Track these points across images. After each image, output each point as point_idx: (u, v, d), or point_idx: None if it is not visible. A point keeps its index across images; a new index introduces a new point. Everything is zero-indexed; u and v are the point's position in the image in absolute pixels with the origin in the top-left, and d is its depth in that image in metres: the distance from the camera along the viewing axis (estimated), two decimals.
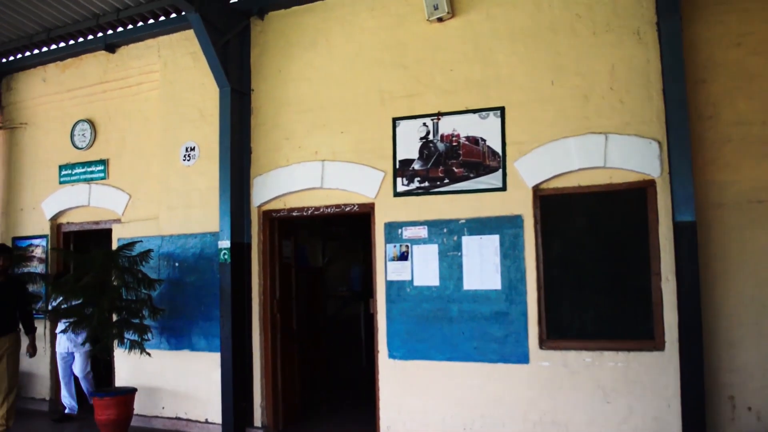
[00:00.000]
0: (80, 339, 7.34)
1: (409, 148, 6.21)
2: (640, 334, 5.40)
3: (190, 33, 7.23)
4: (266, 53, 7.02)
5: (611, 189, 5.58)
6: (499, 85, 5.97)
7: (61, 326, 7.37)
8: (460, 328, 5.90)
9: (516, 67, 5.93)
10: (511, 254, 5.77)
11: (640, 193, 5.51)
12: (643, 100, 5.49)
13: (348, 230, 10.32)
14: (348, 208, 6.52)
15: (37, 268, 8.43)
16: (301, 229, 7.80)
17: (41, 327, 8.31)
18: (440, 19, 6.17)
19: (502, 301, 5.77)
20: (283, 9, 6.95)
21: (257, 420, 6.83)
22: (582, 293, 5.60)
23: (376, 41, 6.50)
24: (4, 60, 8.82)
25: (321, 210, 6.65)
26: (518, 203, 5.79)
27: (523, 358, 5.68)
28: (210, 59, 6.66)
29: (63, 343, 7.58)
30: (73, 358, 7.64)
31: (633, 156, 5.47)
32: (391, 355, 6.16)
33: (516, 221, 5.76)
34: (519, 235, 5.75)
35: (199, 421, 7.11)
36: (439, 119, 6.12)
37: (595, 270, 5.58)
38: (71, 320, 6.89)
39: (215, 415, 6.93)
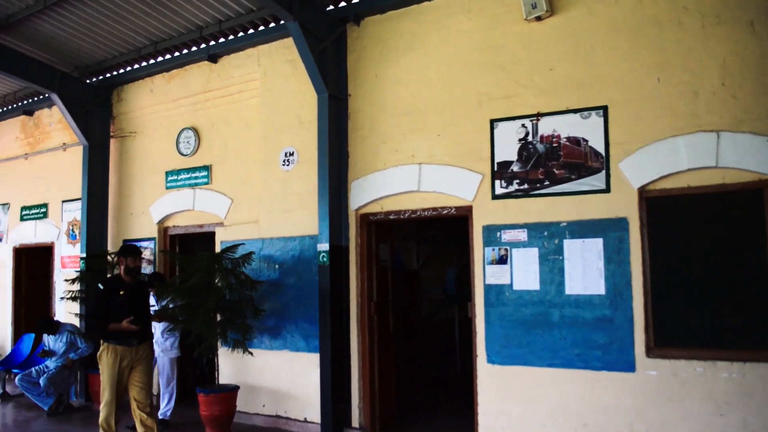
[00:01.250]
0: (168, 343, 7.46)
1: (508, 150, 6.12)
2: (756, 343, 5.09)
3: (288, 41, 7.42)
4: (363, 58, 7.10)
5: (724, 190, 5.29)
6: (600, 83, 5.79)
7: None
8: (561, 334, 5.76)
9: (618, 65, 5.74)
10: (615, 258, 5.58)
11: (755, 194, 5.20)
12: (757, 96, 5.19)
13: (442, 232, 10.30)
14: (445, 211, 6.50)
15: (146, 269, 8.84)
16: (396, 231, 7.83)
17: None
18: (539, 18, 6.06)
19: (606, 307, 5.59)
20: (379, 14, 7.02)
21: (355, 421, 6.91)
22: (692, 300, 5.34)
23: (472, 43, 6.45)
24: (115, 73, 9.33)
25: (418, 213, 6.66)
26: (623, 205, 5.60)
27: (629, 366, 5.47)
28: (308, 66, 6.80)
29: None
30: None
31: (747, 155, 5.18)
32: (490, 360, 6.09)
33: (621, 224, 5.57)
34: (624, 238, 5.55)
35: (298, 420, 7.26)
36: (538, 120, 6.01)
37: (706, 275, 5.31)
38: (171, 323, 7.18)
39: (314, 414, 7.07)
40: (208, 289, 7.01)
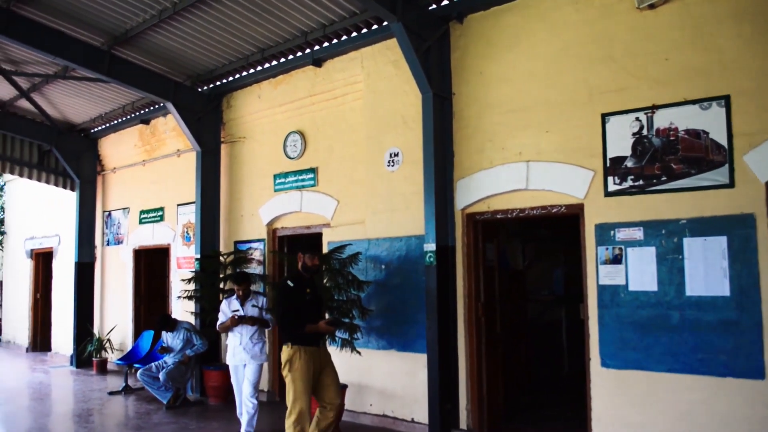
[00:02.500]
0: (257, 348, 7.10)
1: (621, 145, 5.87)
2: None
3: (391, 42, 7.46)
4: (466, 56, 7.03)
5: None
6: (722, 71, 5.44)
7: (236, 334, 7.03)
8: (681, 338, 5.46)
9: (742, 51, 5.37)
10: (741, 257, 5.23)
11: None
12: None
13: (549, 231, 10.04)
14: (554, 210, 6.32)
15: (256, 269, 9.14)
16: (501, 230, 7.70)
17: None
18: (652, 6, 5.78)
19: (731, 309, 5.25)
20: (482, 11, 6.91)
21: (462, 422, 6.84)
22: None
23: (580, 35, 6.24)
24: (224, 81, 9.70)
25: (526, 212, 6.51)
26: (749, 201, 5.23)
27: (758, 373, 5.10)
28: (412, 66, 6.79)
29: (238, 354, 7.04)
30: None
31: None
32: (604, 364, 5.86)
33: (747, 221, 5.22)
34: (751, 236, 5.19)
35: (405, 420, 7.27)
36: (653, 113, 5.73)
37: None
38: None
39: (421, 414, 7.06)
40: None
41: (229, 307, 7.17)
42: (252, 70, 9.23)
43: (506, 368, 7.58)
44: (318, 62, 8.38)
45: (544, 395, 8.87)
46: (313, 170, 8.52)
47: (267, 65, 9.01)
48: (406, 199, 7.33)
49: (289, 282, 5.86)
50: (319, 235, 8.41)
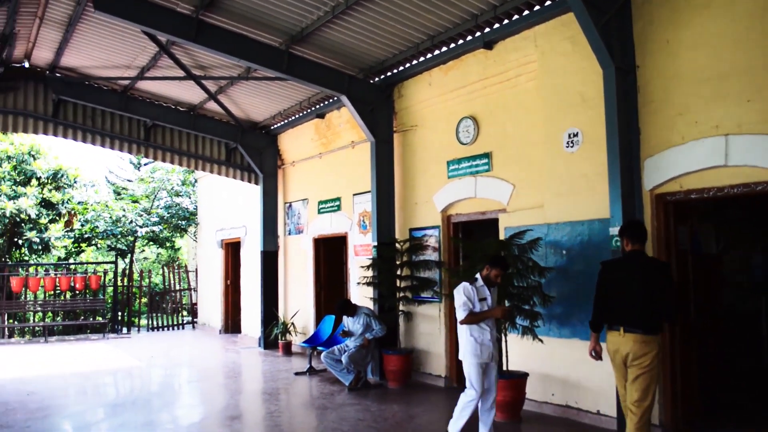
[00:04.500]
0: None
1: None
2: None
3: (566, 18, 7.14)
4: (651, 25, 6.54)
5: None
6: None
7: (483, 329, 6.10)
8: None
9: None
10: None
11: None
12: None
13: (744, 213, 9.15)
14: (759, 187, 5.70)
15: (431, 256, 9.21)
16: (694, 212, 7.11)
17: (436, 310, 9.11)
18: None
19: None
20: None
21: (654, 417, 6.40)
22: None
23: None
24: (395, 71, 9.83)
25: (725, 191, 5.94)
26: None
27: None
28: (592, 40, 6.44)
29: (486, 351, 6.14)
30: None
31: None
32: None
33: None
34: None
35: (590, 412, 6.98)
36: None
37: None
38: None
39: (607, 407, 6.73)
40: None
41: (475, 294, 6.01)
42: (422, 58, 9.26)
43: (701, 361, 7.02)
44: (489, 45, 8.22)
45: (742, 391, 8.13)
46: (486, 155, 8.39)
47: (437, 52, 9.00)
48: (588, 181, 6.99)
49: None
50: (495, 221, 8.28)
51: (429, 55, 9.15)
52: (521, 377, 7.17)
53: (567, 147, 7.21)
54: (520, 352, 7.62)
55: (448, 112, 9.08)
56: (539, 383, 7.49)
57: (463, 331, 6.06)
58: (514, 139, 8.06)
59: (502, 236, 7.93)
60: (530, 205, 7.73)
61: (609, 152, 6.49)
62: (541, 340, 7.09)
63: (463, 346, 6.07)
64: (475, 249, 7.29)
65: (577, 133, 7.11)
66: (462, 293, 5.98)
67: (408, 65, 9.57)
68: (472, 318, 5.96)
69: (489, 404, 6.10)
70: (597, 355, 5.58)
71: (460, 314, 5.99)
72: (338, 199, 11.68)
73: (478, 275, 6.15)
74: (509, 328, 7.19)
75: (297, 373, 10.32)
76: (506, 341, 7.28)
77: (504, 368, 7.26)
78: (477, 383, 5.94)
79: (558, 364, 7.32)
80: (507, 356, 7.30)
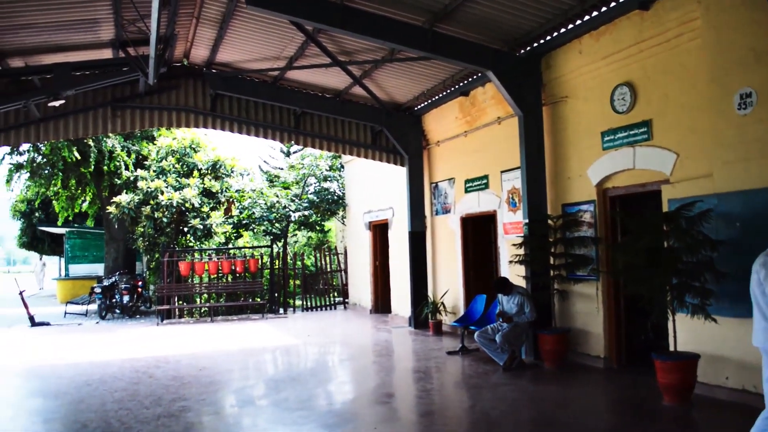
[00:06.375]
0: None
1: None
2: None
3: None
4: None
5: None
6: None
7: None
8: None
9: None
10: None
11: None
12: None
13: None
14: None
15: (587, 232, 8.83)
16: None
17: (593, 289, 8.75)
18: None
19: None
20: None
21: None
22: None
23: None
24: (542, 41, 9.47)
25: None
26: None
27: None
28: None
29: None
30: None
31: None
32: None
33: None
34: None
35: None
36: None
37: None
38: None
39: None
40: (659, 250, 6.62)
41: None
42: (571, 26, 8.84)
43: None
44: (645, 5, 7.68)
45: None
46: (645, 123, 7.88)
47: (587, 17, 8.54)
48: (763, 146, 6.34)
49: None
50: (655, 194, 7.79)
51: (578, 22, 8.70)
52: (691, 359, 6.71)
53: (739, 109, 6.57)
54: (688, 332, 7.13)
55: (601, 80, 8.62)
56: (710, 366, 6.97)
57: None
58: (676, 104, 7.50)
59: (665, 209, 7.43)
60: (696, 174, 7.16)
61: None
62: (714, 320, 6.57)
63: None
64: (637, 223, 6.88)
65: (750, 93, 6.46)
66: None
67: (556, 34, 9.17)
68: None
69: None
70: None
71: None
72: (485, 176, 11.51)
73: None
74: (677, 308, 6.74)
75: (449, 353, 10.33)
76: (674, 321, 6.83)
77: (672, 349, 6.84)
78: None
79: (732, 345, 6.76)
80: (675, 337, 6.86)
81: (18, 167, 20.05)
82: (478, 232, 12.48)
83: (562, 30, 9.01)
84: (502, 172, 10.90)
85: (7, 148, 19.27)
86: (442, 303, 12.76)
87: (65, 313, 19.41)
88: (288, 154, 28.87)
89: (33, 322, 16.61)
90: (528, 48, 9.74)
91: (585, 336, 8.94)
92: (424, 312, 12.95)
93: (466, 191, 12.21)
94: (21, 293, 17.46)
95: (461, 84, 11.75)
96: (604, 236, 8.65)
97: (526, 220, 9.50)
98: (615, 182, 8.53)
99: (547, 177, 9.59)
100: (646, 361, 7.50)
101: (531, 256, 9.23)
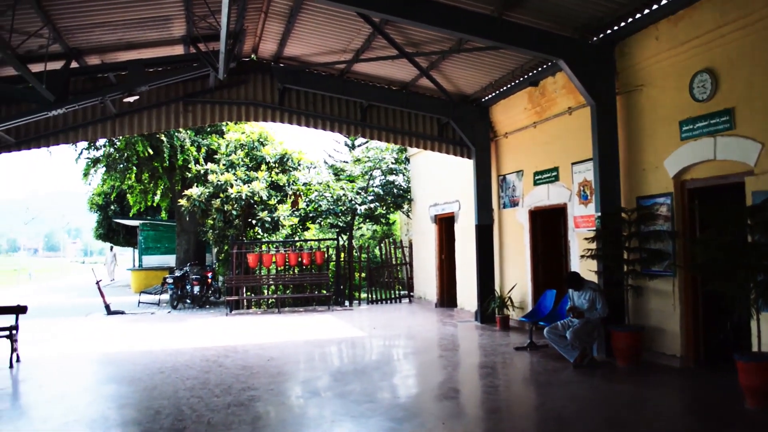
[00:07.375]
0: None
1: None
2: None
3: None
4: None
5: None
6: None
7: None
8: None
9: None
10: None
11: None
12: None
13: None
14: None
15: (663, 226, 8.48)
16: None
17: (669, 285, 8.39)
18: None
19: None
20: None
21: None
22: None
23: None
24: (615, 28, 9.13)
25: None
26: None
27: None
28: None
29: None
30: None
31: None
32: None
33: None
34: None
35: None
36: None
37: None
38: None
39: None
40: (743, 245, 6.28)
41: None
42: (647, 11, 8.49)
43: None
44: None
45: None
46: (728, 111, 7.49)
47: (664, 2, 8.19)
48: None
49: None
50: (739, 186, 7.38)
51: (654, 7, 8.36)
52: None
53: None
54: None
55: (680, 67, 8.23)
56: None
57: None
58: (762, 91, 7.09)
59: (748, 202, 7.05)
60: None
61: None
62: None
63: None
64: (722, 217, 6.54)
65: None
66: None
67: (630, 20, 8.82)
68: None
69: None
70: None
71: None
72: (555, 169, 11.22)
73: None
74: (762, 307, 6.38)
75: (517, 348, 10.14)
76: (758, 320, 6.48)
77: (755, 349, 6.49)
78: None
79: None
80: (759, 337, 6.50)
81: (95, 162, 20.88)
82: (547, 225, 12.18)
83: (637, 16, 8.68)
84: (572, 164, 10.60)
85: (85, 143, 20.03)
86: (510, 298, 12.53)
87: (138, 302, 20.12)
88: (352, 147, 28.97)
89: (109, 311, 17.27)
90: (601, 35, 9.42)
91: (660, 334, 8.59)
92: (491, 306, 12.75)
93: (535, 184, 11.94)
94: (98, 283, 18.13)
95: (530, 74, 11.47)
96: (682, 230, 8.28)
97: (599, 214, 9.19)
98: (694, 174, 8.15)
99: (620, 169, 9.25)
100: (725, 361, 7.16)
101: (603, 251, 8.93)
